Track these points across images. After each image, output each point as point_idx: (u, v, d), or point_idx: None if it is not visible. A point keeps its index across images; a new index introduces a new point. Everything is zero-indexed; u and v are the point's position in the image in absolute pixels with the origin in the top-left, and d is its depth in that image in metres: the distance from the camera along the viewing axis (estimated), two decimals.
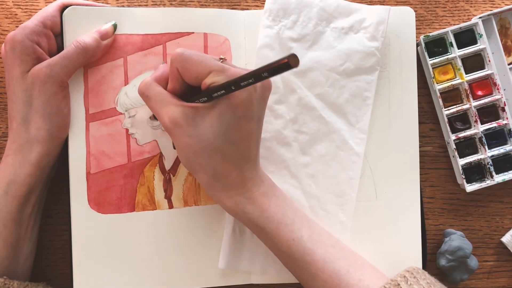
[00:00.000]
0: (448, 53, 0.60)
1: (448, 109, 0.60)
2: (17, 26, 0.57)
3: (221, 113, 0.46)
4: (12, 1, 0.59)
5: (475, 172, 0.61)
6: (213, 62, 0.47)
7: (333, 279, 0.49)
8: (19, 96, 0.51)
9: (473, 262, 0.59)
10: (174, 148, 0.56)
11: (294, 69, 0.57)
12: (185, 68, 0.47)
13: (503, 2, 0.63)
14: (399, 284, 0.47)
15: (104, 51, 0.55)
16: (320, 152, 0.58)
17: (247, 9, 0.61)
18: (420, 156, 0.60)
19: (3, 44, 0.52)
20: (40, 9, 0.57)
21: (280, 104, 0.58)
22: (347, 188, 0.58)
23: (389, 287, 0.47)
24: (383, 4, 0.62)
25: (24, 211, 0.52)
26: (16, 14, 0.59)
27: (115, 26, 0.55)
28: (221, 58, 0.49)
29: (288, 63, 0.38)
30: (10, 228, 0.51)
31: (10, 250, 0.51)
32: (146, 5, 0.60)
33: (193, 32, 0.57)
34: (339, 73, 0.58)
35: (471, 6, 0.63)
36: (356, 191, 0.58)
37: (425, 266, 0.59)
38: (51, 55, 0.53)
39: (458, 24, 0.62)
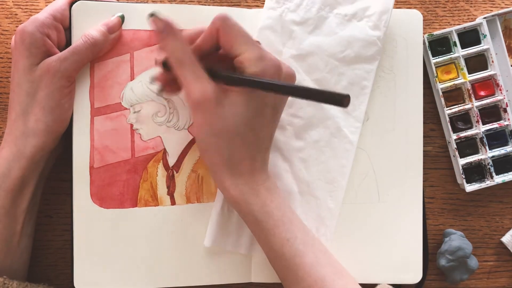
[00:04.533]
0: (452, 53, 0.61)
1: (450, 109, 0.61)
2: (17, 26, 0.56)
3: (250, 98, 0.47)
4: (12, 1, 0.59)
5: (475, 172, 0.61)
6: (254, 42, 0.47)
7: (318, 284, 0.49)
8: (24, 87, 0.51)
9: (473, 262, 0.59)
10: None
11: (295, 53, 0.58)
12: (227, 33, 0.47)
13: (503, 2, 0.63)
14: None
15: (112, 45, 0.55)
16: (314, 138, 0.58)
17: (248, 8, 0.60)
18: None
19: (14, 35, 0.52)
20: (41, 9, 0.57)
21: None
22: (338, 176, 0.58)
23: None
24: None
25: (19, 205, 0.52)
26: (16, 14, 0.59)
27: (122, 18, 0.55)
28: (256, 42, 0.49)
29: (341, 101, 0.38)
30: (4, 222, 0.51)
31: (4, 244, 0.51)
32: (147, 3, 0.60)
33: None
34: (338, 59, 0.58)
35: (471, 6, 0.63)
36: (346, 179, 0.58)
37: (426, 267, 0.60)
38: (60, 49, 0.53)
39: (458, 24, 0.62)
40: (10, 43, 0.57)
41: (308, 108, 0.58)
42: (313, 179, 0.58)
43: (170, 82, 0.52)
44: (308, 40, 0.58)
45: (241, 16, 0.58)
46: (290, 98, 0.56)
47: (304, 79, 0.58)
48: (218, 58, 0.51)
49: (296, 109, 0.58)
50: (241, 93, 0.47)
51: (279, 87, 0.46)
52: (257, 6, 0.61)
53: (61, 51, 0.52)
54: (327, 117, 0.58)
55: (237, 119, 0.47)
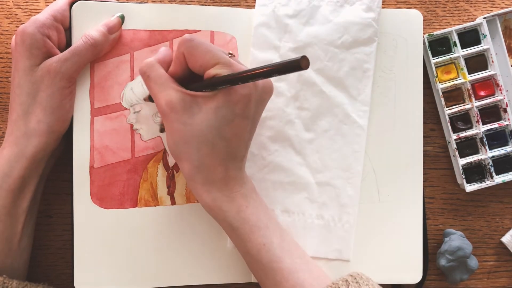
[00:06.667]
0: (452, 53, 0.61)
1: (450, 109, 0.61)
2: (17, 26, 0.56)
3: (218, 106, 0.47)
4: (12, 1, 0.59)
5: (475, 172, 0.61)
6: (221, 54, 0.47)
7: None
8: (24, 88, 0.51)
9: (473, 262, 0.59)
10: (161, 131, 0.56)
11: (293, 46, 0.57)
12: (191, 54, 0.47)
13: (503, 2, 0.63)
14: None
15: (112, 45, 0.55)
16: (323, 127, 0.58)
17: (248, 8, 0.60)
18: None
19: (14, 36, 0.52)
20: (41, 9, 0.57)
21: (280, 81, 0.58)
22: (352, 162, 0.58)
23: None
24: (383, 5, 0.62)
25: (19, 205, 0.52)
26: (16, 14, 0.59)
27: (122, 18, 0.55)
28: (230, 54, 0.49)
29: (299, 64, 0.37)
30: (5, 222, 0.51)
31: (5, 244, 0.51)
32: (147, 3, 0.60)
33: (200, 30, 0.57)
34: (337, 46, 0.58)
35: (471, 6, 0.63)
36: (362, 164, 0.58)
37: (426, 267, 0.60)
38: (60, 49, 0.53)
39: (458, 24, 0.62)
40: (10, 43, 0.57)
41: (314, 99, 0.58)
42: (328, 168, 0.58)
43: None
44: (304, 31, 0.58)
45: (241, 16, 0.58)
46: (289, 95, 0.57)
47: (305, 71, 0.58)
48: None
49: (301, 101, 0.58)
50: (210, 101, 0.47)
51: (238, 77, 0.44)
52: None
53: (61, 51, 0.52)
54: (334, 105, 0.58)
55: (205, 126, 0.47)
